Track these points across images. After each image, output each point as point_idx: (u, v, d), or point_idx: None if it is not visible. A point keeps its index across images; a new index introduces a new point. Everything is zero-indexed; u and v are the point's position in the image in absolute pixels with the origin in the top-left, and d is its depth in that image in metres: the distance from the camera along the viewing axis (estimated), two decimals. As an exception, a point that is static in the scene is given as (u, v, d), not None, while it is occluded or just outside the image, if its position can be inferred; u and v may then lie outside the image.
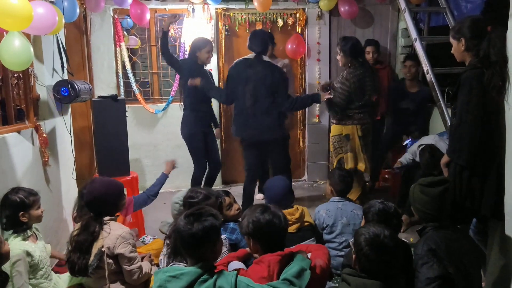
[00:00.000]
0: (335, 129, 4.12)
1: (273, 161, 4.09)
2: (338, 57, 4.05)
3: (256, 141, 3.91)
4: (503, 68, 2.29)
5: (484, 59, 2.45)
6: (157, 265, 2.99)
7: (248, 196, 4.10)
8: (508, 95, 2.46)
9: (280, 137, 3.97)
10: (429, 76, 3.72)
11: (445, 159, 2.75)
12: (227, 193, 3.09)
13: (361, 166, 4.05)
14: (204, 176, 4.47)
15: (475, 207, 2.57)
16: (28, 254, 2.41)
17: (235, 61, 4.03)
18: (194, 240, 1.84)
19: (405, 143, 4.38)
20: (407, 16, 4.04)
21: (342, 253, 2.86)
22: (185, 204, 2.71)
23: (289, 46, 4.96)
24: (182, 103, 4.41)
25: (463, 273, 2.13)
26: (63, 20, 3.11)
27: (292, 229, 2.76)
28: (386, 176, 5.11)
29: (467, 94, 2.50)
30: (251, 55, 3.93)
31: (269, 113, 3.81)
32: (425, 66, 3.77)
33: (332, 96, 3.97)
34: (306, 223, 2.93)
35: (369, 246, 1.89)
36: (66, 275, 2.69)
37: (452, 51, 2.79)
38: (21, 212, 2.46)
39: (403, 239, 3.47)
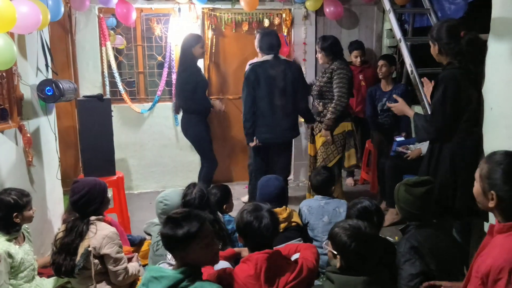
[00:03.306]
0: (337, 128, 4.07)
1: (279, 162, 4.04)
2: (319, 55, 4.10)
3: (279, 141, 3.91)
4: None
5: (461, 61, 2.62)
6: (145, 266, 2.99)
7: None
8: (488, 97, 2.54)
9: (297, 134, 4.06)
10: (413, 76, 3.76)
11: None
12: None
13: (354, 161, 4.13)
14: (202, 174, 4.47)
15: (449, 204, 2.65)
16: (10, 255, 2.38)
17: (251, 65, 3.93)
18: (175, 244, 1.83)
19: (397, 139, 4.36)
20: (392, 17, 4.08)
21: (326, 251, 2.88)
22: (184, 206, 2.72)
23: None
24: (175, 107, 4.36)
25: (445, 270, 2.16)
26: (49, 16, 3.07)
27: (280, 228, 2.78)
28: (367, 173, 5.18)
29: (442, 93, 2.61)
30: (266, 57, 3.86)
31: (294, 111, 3.87)
32: (410, 66, 3.81)
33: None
34: (293, 224, 2.94)
35: (356, 241, 1.87)
36: (52, 279, 2.67)
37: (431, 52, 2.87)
38: (15, 213, 2.44)
39: (387, 237, 3.52)
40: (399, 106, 3.07)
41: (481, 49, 2.61)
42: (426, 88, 3.06)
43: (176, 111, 4.35)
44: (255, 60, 4.64)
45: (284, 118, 3.83)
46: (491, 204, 1.65)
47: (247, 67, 4.70)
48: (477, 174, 1.74)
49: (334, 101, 3.90)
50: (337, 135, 4.06)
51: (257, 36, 4.07)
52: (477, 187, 1.73)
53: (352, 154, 4.11)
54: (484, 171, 1.69)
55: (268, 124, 3.83)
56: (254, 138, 3.91)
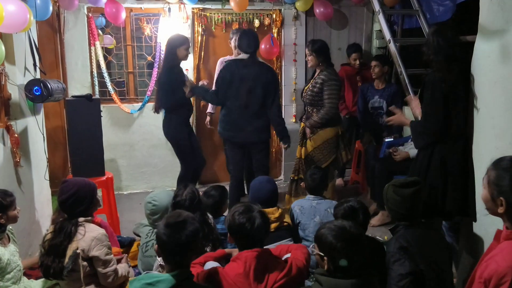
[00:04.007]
0: (331, 131, 4.02)
1: (255, 161, 4.06)
2: (309, 58, 4.05)
3: (246, 142, 3.91)
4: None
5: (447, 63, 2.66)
6: (134, 267, 2.97)
7: (235, 199, 4.03)
8: (476, 100, 2.58)
9: (268, 137, 4.04)
10: (403, 77, 3.79)
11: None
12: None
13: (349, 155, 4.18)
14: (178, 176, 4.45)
15: (439, 206, 2.68)
16: None
17: (226, 61, 3.94)
18: (182, 248, 1.84)
19: (387, 140, 4.39)
20: (381, 18, 4.10)
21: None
22: (174, 207, 2.71)
23: (263, 46, 4.99)
24: (155, 106, 4.31)
25: (435, 270, 2.18)
26: (32, 18, 3.04)
27: (271, 228, 2.78)
28: (357, 174, 5.20)
29: (430, 95, 2.64)
30: (241, 56, 3.88)
31: (262, 113, 3.85)
32: (399, 67, 3.84)
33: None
34: (285, 224, 2.95)
35: (342, 241, 1.86)
36: (40, 280, 2.64)
37: None
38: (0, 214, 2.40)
39: (377, 237, 3.54)
40: (397, 118, 3.09)
41: (465, 50, 2.66)
42: (415, 104, 3.06)
43: (156, 111, 4.32)
44: (230, 57, 4.69)
45: (250, 119, 3.82)
46: (501, 210, 1.66)
47: (220, 61, 4.78)
48: (484, 180, 1.75)
49: (324, 109, 3.92)
50: (331, 138, 4.05)
51: (236, 35, 4.30)
52: (485, 193, 1.74)
53: (344, 155, 4.15)
54: (492, 177, 1.69)
55: (233, 123, 3.85)
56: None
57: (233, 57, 4.62)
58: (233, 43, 4.61)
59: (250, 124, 3.82)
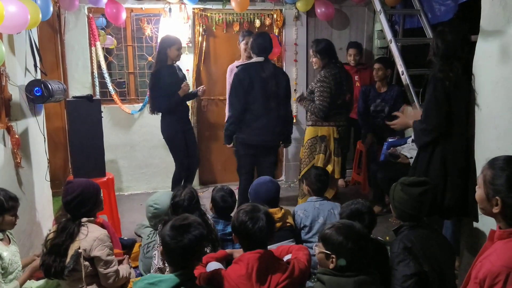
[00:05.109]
0: (310, 131, 4.04)
1: (268, 161, 4.03)
2: (314, 60, 3.99)
3: (273, 144, 3.96)
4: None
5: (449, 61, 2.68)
6: (135, 268, 2.97)
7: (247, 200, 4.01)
8: (478, 99, 2.57)
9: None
10: (404, 77, 3.78)
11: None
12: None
13: (330, 168, 3.99)
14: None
15: (439, 204, 2.68)
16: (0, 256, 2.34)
17: (239, 66, 3.89)
18: (184, 251, 1.84)
19: (389, 140, 4.37)
20: (382, 18, 4.10)
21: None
22: (173, 207, 2.71)
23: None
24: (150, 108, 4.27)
25: (438, 271, 2.17)
26: (40, 15, 3.03)
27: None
28: (358, 174, 5.20)
29: (432, 92, 2.64)
30: (257, 59, 3.80)
31: (284, 114, 3.92)
32: (400, 67, 3.83)
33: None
34: (287, 224, 2.95)
35: (352, 240, 1.89)
36: (42, 281, 2.63)
37: None
38: None
39: (378, 238, 3.53)
40: (401, 121, 3.06)
41: (467, 50, 2.66)
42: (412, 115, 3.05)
43: (152, 112, 4.30)
44: (239, 62, 4.63)
45: (277, 120, 3.82)
46: (496, 209, 1.64)
47: (230, 69, 4.69)
48: (480, 180, 1.73)
49: (313, 104, 3.93)
50: (310, 140, 4.02)
51: (247, 38, 4.33)
52: (480, 193, 1.72)
53: (320, 159, 4.00)
54: (488, 177, 1.67)
55: (260, 127, 3.79)
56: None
57: (241, 61, 4.58)
58: (242, 45, 4.58)
59: (277, 125, 3.85)
